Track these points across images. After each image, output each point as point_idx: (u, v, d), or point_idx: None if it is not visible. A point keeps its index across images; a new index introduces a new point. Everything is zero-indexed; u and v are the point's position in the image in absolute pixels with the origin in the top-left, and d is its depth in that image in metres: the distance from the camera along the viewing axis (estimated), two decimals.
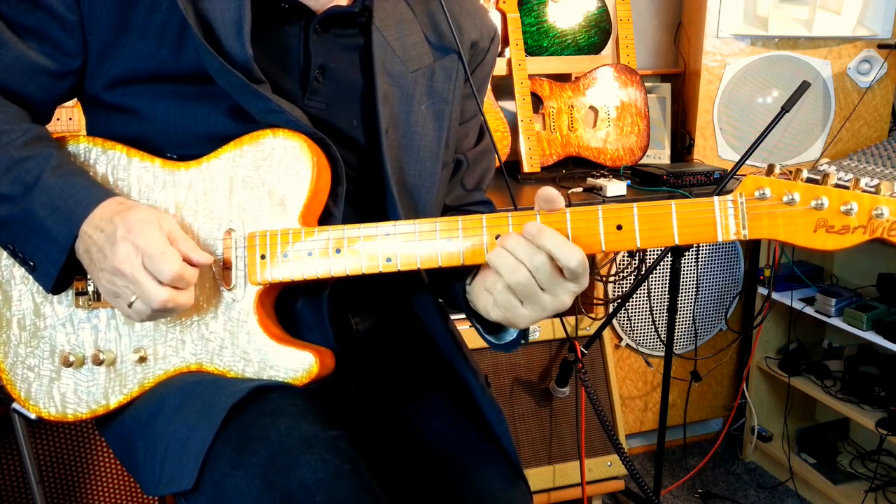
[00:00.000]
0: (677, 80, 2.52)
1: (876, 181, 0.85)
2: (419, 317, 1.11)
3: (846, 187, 0.84)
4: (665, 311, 2.39)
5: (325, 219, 0.99)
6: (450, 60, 1.11)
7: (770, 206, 0.86)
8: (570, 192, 2.07)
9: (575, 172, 2.31)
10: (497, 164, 1.27)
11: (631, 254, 2.33)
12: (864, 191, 0.83)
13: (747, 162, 1.89)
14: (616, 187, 2.06)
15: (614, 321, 2.40)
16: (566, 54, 2.36)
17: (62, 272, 0.95)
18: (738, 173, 1.94)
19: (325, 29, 1.03)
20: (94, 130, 1.05)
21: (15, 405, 1.04)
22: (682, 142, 2.49)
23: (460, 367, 1.11)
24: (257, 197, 0.97)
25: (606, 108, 2.33)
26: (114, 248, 0.89)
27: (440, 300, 1.13)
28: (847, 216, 0.83)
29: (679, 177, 2.16)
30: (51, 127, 1.11)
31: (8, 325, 1.03)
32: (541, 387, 2.14)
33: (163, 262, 0.88)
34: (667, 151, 2.47)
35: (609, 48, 2.41)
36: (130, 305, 0.91)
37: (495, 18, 2.29)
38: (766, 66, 2.40)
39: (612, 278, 2.33)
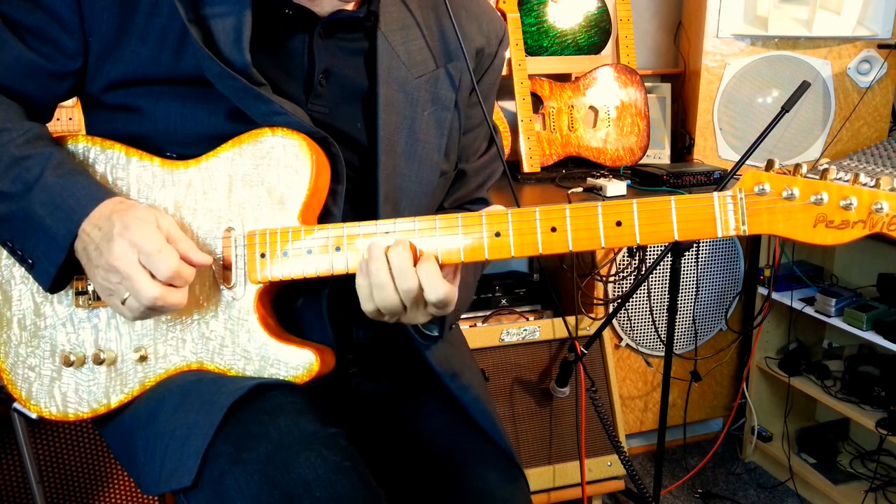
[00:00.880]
0: (677, 80, 2.52)
1: (876, 168, 0.85)
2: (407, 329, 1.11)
3: (845, 183, 0.84)
4: (665, 311, 2.39)
5: (325, 218, 0.99)
6: (454, 68, 1.10)
7: (769, 201, 0.85)
8: (570, 192, 2.07)
9: (575, 172, 2.31)
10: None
11: (631, 254, 2.33)
12: (864, 185, 0.83)
13: (747, 162, 1.89)
14: (616, 187, 2.06)
15: (614, 321, 2.40)
16: (566, 54, 2.36)
17: (60, 271, 0.95)
18: (737, 173, 1.94)
19: (329, 34, 1.03)
20: (94, 129, 1.05)
21: (16, 405, 1.04)
22: (682, 142, 2.49)
23: (448, 382, 1.10)
24: (256, 195, 0.97)
25: (606, 108, 2.33)
26: (109, 244, 0.89)
27: None
28: (847, 211, 0.82)
29: (679, 177, 2.16)
30: (51, 127, 1.12)
31: (8, 325, 1.04)
32: (541, 387, 2.14)
33: (160, 258, 0.89)
34: (667, 151, 2.47)
35: (609, 48, 2.41)
36: (124, 302, 0.91)
37: None
38: (766, 66, 2.40)
39: (612, 278, 2.33)
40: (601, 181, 2.09)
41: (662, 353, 2.38)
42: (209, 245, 0.98)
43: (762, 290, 2.42)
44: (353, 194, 1.04)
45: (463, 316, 2.20)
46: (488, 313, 2.21)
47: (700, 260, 2.45)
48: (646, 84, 2.39)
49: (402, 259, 0.89)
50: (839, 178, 1.97)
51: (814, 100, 2.42)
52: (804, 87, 1.87)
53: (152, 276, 0.90)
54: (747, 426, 2.58)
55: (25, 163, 0.94)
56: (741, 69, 2.38)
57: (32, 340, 1.03)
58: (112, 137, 1.01)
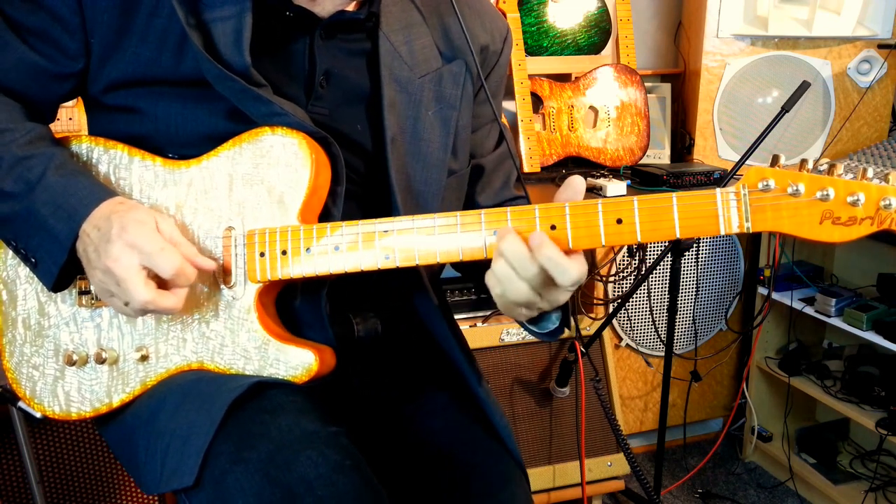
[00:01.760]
0: (677, 80, 2.52)
1: (883, 170, 0.82)
2: (421, 316, 1.11)
3: (852, 177, 0.81)
4: (665, 311, 2.39)
5: (325, 218, 0.99)
6: (458, 65, 1.09)
7: (774, 197, 0.83)
8: None
9: (575, 172, 2.31)
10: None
11: (631, 253, 2.33)
12: (872, 181, 0.80)
13: (747, 162, 1.89)
14: (616, 187, 2.06)
15: (614, 321, 2.40)
16: (566, 54, 2.36)
17: (63, 270, 0.95)
18: (737, 173, 1.94)
19: (330, 35, 1.03)
20: (96, 130, 1.05)
21: (20, 404, 1.05)
22: (682, 142, 2.49)
23: (462, 366, 1.11)
24: (256, 194, 0.97)
25: (606, 108, 2.33)
26: (107, 247, 0.89)
27: (445, 299, 1.13)
28: (854, 207, 0.80)
29: (679, 177, 2.16)
30: (51, 127, 1.12)
31: (13, 325, 1.04)
32: (541, 387, 2.14)
33: (163, 257, 0.89)
34: (667, 151, 2.47)
35: (609, 48, 2.41)
36: (127, 304, 0.91)
37: None
38: (766, 66, 2.40)
39: (612, 278, 2.33)
40: (601, 181, 2.09)
41: (662, 353, 2.38)
42: (209, 244, 0.98)
43: (762, 290, 2.42)
44: (357, 196, 1.04)
45: (463, 316, 2.20)
46: (488, 313, 2.21)
47: (700, 260, 2.45)
48: (646, 84, 2.39)
49: (518, 250, 0.87)
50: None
51: (814, 100, 2.42)
52: (804, 87, 1.87)
53: (147, 279, 0.90)
54: (747, 426, 2.58)
55: (28, 162, 0.95)
56: (741, 69, 2.38)
57: (37, 340, 1.03)
58: (114, 138, 1.02)
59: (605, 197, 2.04)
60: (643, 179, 2.24)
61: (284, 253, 0.95)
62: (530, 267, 0.86)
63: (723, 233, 0.85)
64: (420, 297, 1.11)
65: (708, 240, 2.45)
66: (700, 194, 0.85)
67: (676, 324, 2.07)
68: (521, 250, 0.86)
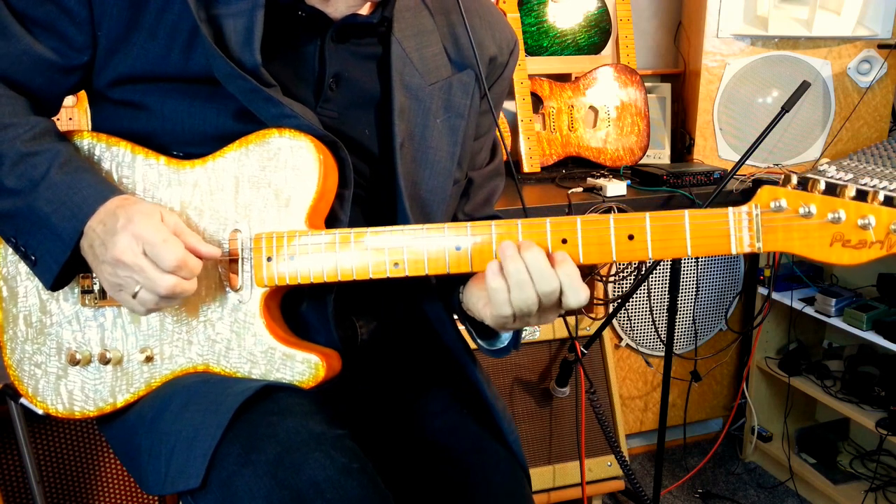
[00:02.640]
0: (677, 80, 2.52)
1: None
2: (427, 316, 1.11)
3: (864, 193, 0.81)
4: (665, 311, 2.39)
5: (332, 222, 0.99)
6: (467, 75, 1.09)
7: (786, 218, 0.83)
8: (570, 192, 2.07)
9: (575, 172, 2.31)
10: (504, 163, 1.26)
11: None
12: (883, 204, 0.80)
13: (747, 162, 1.89)
14: (616, 187, 2.06)
15: (614, 321, 2.40)
16: (566, 54, 2.36)
17: (63, 269, 0.94)
18: (738, 173, 1.94)
19: (341, 38, 1.02)
20: (99, 125, 1.04)
21: (23, 400, 1.05)
22: (682, 142, 2.49)
23: (468, 366, 1.11)
24: (263, 197, 0.96)
25: (606, 108, 2.33)
26: (114, 238, 0.89)
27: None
28: (864, 230, 0.80)
29: (679, 177, 2.16)
30: None
31: (14, 321, 1.03)
32: (541, 387, 2.14)
33: (165, 248, 0.88)
34: (667, 151, 2.47)
35: (609, 48, 2.41)
36: (135, 296, 0.91)
37: None
38: (766, 66, 2.40)
39: (612, 278, 2.33)
40: (601, 181, 2.09)
41: (662, 353, 2.38)
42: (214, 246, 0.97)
43: (762, 290, 2.42)
44: (364, 201, 1.03)
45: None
46: None
47: (700, 260, 2.45)
48: (646, 84, 2.39)
49: (540, 261, 0.87)
50: (840, 179, 1.96)
51: (814, 100, 2.42)
52: (804, 87, 1.87)
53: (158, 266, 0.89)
54: (747, 426, 2.58)
55: (32, 159, 0.94)
56: (741, 69, 2.38)
57: (38, 337, 1.03)
58: (117, 134, 1.01)
59: (605, 197, 2.04)
60: (643, 179, 2.24)
61: (292, 258, 0.94)
62: (551, 281, 0.87)
63: (734, 252, 0.85)
64: (427, 297, 1.11)
65: None
66: (712, 213, 0.85)
67: (676, 324, 2.07)
68: (544, 262, 0.87)
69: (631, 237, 0.87)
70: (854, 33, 2.39)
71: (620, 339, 2.43)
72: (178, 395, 0.96)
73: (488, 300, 0.92)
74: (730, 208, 0.85)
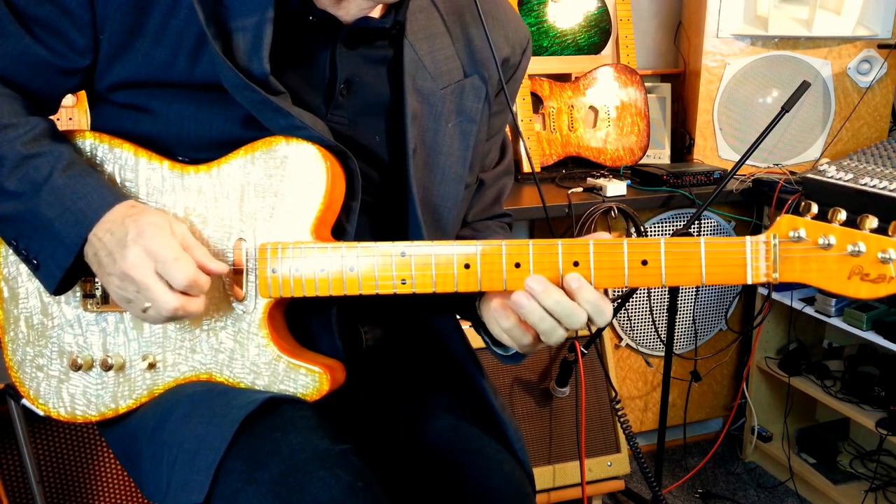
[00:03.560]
0: (677, 80, 2.52)
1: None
2: (432, 324, 1.10)
3: (885, 232, 0.79)
4: (665, 311, 2.39)
5: (338, 234, 0.97)
6: (480, 79, 1.07)
7: (804, 250, 0.81)
8: (570, 192, 2.07)
9: (575, 172, 2.31)
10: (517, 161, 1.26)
11: None
12: None
13: (748, 162, 1.89)
14: (616, 187, 2.06)
15: (614, 321, 2.40)
16: (566, 54, 2.36)
17: (67, 274, 0.93)
18: (738, 173, 1.94)
19: (353, 44, 1.00)
20: (100, 124, 1.02)
21: (24, 401, 1.04)
22: (682, 142, 2.49)
23: (474, 374, 1.10)
24: (269, 206, 0.94)
25: (606, 108, 2.33)
26: (123, 252, 0.87)
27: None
28: (884, 265, 0.79)
29: (679, 177, 2.16)
30: None
31: (16, 323, 1.02)
32: (541, 387, 2.14)
33: (177, 267, 0.86)
34: (667, 151, 2.47)
35: (609, 48, 2.41)
36: (144, 311, 0.89)
37: None
38: (766, 66, 2.40)
39: None
40: (601, 181, 2.09)
41: (662, 353, 2.38)
42: (220, 255, 0.96)
43: (762, 290, 2.42)
44: (371, 207, 1.02)
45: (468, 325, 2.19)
46: None
47: None
48: (646, 84, 2.39)
49: (564, 303, 0.86)
50: (839, 178, 1.96)
51: (814, 100, 2.42)
52: (804, 87, 1.87)
53: (168, 285, 0.87)
54: (747, 426, 2.58)
55: (34, 161, 0.91)
56: (741, 69, 2.38)
57: (40, 340, 1.01)
58: (119, 135, 0.98)
59: (605, 197, 2.04)
60: (643, 179, 2.24)
61: (297, 271, 0.92)
62: (579, 316, 0.86)
63: (749, 283, 0.84)
64: (434, 308, 1.09)
65: None
66: (729, 241, 0.84)
67: (676, 324, 2.07)
68: (565, 301, 0.86)
69: (644, 262, 0.85)
70: (854, 33, 2.39)
71: (620, 339, 2.43)
72: (182, 404, 0.94)
73: (511, 340, 0.92)
74: (747, 237, 0.84)
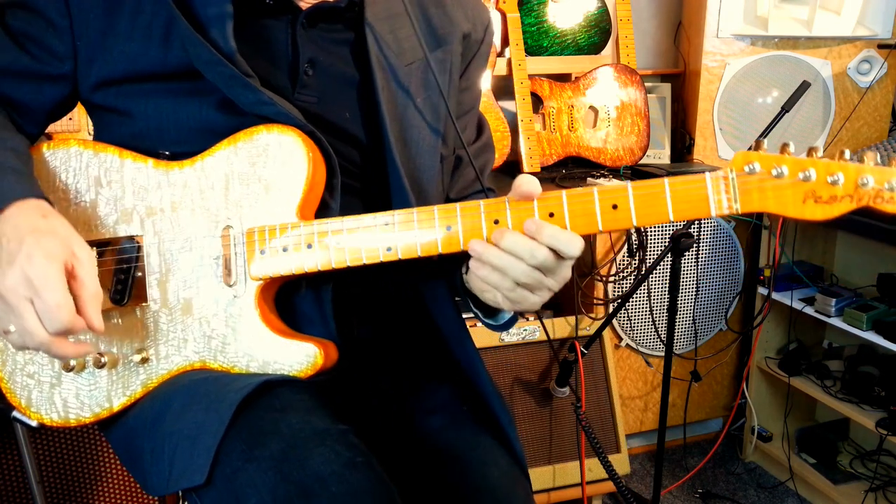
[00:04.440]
0: (677, 80, 2.53)
1: (888, 155, 0.86)
2: (428, 310, 1.11)
3: (831, 155, 0.85)
4: (665, 311, 2.39)
5: (323, 211, 0.99)
6: (443, 53, 1.10)
7: (760, 179, 0.87)
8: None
9: (575, 172, 2.31)
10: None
11: (631, 253, 2.33)
12: (849, 161, 0.84)
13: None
14: None
15: (614, 321, 2.40)
16: (566, 54, 2.36)
17: None
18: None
19: (311, 24, 1.03)
20: (99, 134, 1.06)
21: (15, 413, 1.03)
22: (682, 142, 2.49)
23: (471, 360, 1.10)
24: (254, 192, 0.97)
25: (606, 108, 2.33)
26: (7, 268, 0.84)
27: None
28: (834, 186, 0.84)
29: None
30: (50, 127, 1.11)
31: None
32: (541, 387, 2.14)
33: (54, 313, 0.83)
34: (667, 151, 2.47)
35: (609, 48, 2.41)
36: (6, 332, 0.86)
37: (495, 18, 2.29)
38: (766, 66, 2.40)
39: (612, 278, 2.33)
40: (601, 181, 2.09)
41: (662, 353, 2.38)
42: (208, 244, 0.98)
43: (762, 290, 2.42)
44: (353, 187, 1.04)
45: (470, 315, 2.19)
46: None
47: (700, 260, 2.45)
48: (646, 84, 2.39)
49: (518, 240, 0.88)
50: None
51: (814, 100, 2.42)
52: (804, 87, 1.87)
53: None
54: (747, 426, 2.58)
55: None
56: (741, 69, 2.38)
57: None
58: (114, 140, 1.02)
59: None
60: (643, 180, 2.23)
61: (286, 250, 0.95)
62: (539, 251, 0.88)
63: (713, 215, 0.88)
64: (429, 292, 1.11)
65: (708, 239, 2.45)
66: (691, 178, 0.89)
67: (676, 324, 2.07)
68: (522, 240, 0.88)
69: (615, 207, 0.90)
70: (854, 33, 2.39)
71: (620, 339, 2.43)
72: (179, 396, 0.95)
73: (492, 288, 0.93)
74: (707, 173, 0.89)
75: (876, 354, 2.30)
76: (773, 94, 2.41)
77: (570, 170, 2.32)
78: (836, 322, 2.20)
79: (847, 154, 0.85)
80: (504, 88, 2.34)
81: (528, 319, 2.24)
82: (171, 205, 0.99)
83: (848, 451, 2.46)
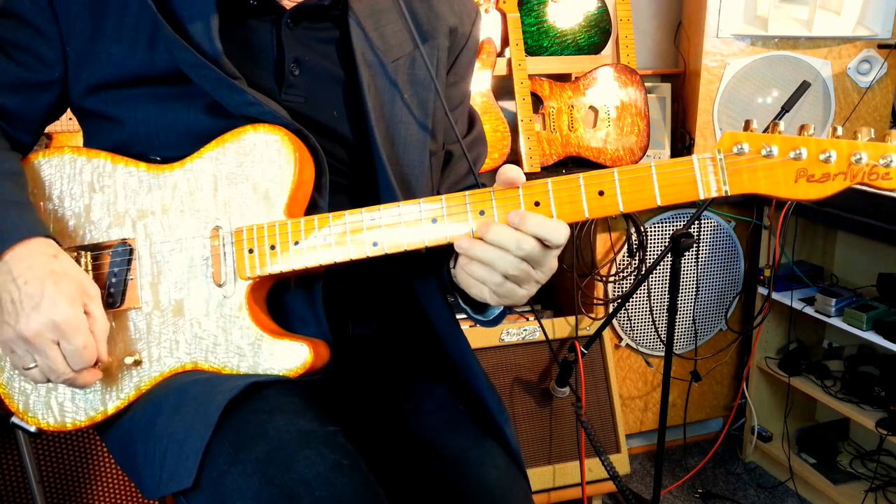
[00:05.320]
0: (677, 80, 2.52)
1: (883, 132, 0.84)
2: (423, 309, 1.11)
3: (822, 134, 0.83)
4: (665, 311, 2.39)
5: (312, 210, 0.99)
6: (430, 48, 1.09)
7: (749, 159, 0.84)
8: None
9: (575, 172, 2.30)
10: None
11: (631, 253, 2.33)
12: (842, 138, 0.82)
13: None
14: None
15: (614, 321, 2.40)
16: (566, 54, 2.36)
17: None
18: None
19: (296, 23, 1.03)
20: (90, 142, 1.06)
21: (14, 419, 1.03)
22: (682, 142, 2.49)
23: (466, 358, 1.10)
24: (242, 192, 0.97)
25: (606, 108, 2.33)
26: (29, 314, 0.89)
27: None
28: (826, 164, 0.81)
29: None
30: (50, 127, 1.12)
31: None
32: (541, 387, 2.14)
33: (82, 354, 0.90)
34: (667, 151, 2.47)
35: (609, 48, 2.41)
36: (27, 369, 0.91)
37: (495, 18, 2.29)
38: (766, 66, 2.40)
39: (612, 278, 2.33)
40: None
41: (662, 353, 2.38)
42: (197, 245, 0.98)
43: (762, 290, 2.42)
44: (342, 185, 1.04)
45: (463, 315, 2.20)
46: None
47: (700, 260, 2.45)
48: (646, 84, 2.39)
49: (503, 231, 0.88)
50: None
51: (814, 100, 2.42)
52: (804, 87, 1.87)
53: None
54: (747, 426, 2.58)
55: None
56: (741, 69, 2.38)
57: None
58: (104, 146, 1.02)
59: None
60: None
61: (273, 248, 0.95)
62: (525, 241, 0.87)
63: (702, 197, 0.87)
64: (424, 288, 1.10)
65: (708, 239, 2.45)
66: (677, 161, 0.87)
67: (676, 324, 2.07)
68: (510, 233, 0.88)
69: (601, 193, 0.88)
70: (854, 33, 2.39)
71: (620, 339, 2.43)
72: (170, 397, 0.96)
73: (480, 282, 0.92)
74: (694, 155, 0.87)
75: (876, 354, 2.30)
76: (773, 94, 2.41)
77: (570, 170, 2.32)
78: (836, 322, 2.20)
79: (840, 131, 0.82)
80: (504, 88, 2.34)
81: (527, 319, 2.24)
82: (161, 207, 1.00)
83: (848, 451, 2.46)
